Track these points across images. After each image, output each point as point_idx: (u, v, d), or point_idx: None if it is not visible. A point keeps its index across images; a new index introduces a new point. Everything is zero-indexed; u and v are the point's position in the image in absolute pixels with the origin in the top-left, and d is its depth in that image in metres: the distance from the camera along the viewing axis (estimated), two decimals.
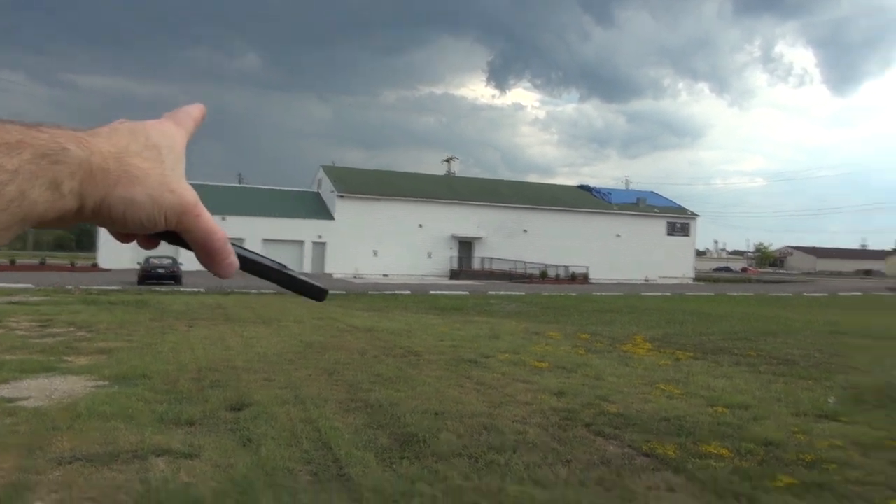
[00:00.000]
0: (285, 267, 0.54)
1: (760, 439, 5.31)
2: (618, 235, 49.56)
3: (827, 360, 10.11)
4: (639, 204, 52.35)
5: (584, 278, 43.38)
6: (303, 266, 41.32)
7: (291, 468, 4.37)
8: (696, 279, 51.30)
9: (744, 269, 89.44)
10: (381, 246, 43.14)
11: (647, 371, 8.70)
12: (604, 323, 15.45)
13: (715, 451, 4.93)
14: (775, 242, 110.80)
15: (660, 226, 51.53)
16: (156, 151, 0.46)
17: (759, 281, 54.37)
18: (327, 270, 41.16)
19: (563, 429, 5.59)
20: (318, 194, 47.51)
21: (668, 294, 30.94)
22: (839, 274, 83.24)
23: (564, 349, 10.56)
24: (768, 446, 5.15)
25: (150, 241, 0.49)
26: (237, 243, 0.50)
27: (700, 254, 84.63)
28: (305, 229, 42.00)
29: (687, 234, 52.52)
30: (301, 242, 41.82)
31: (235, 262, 0.49)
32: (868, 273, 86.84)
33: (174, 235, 0.47)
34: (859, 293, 37.03)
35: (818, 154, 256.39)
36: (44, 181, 0.40)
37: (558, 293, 28.76)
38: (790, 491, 4.15)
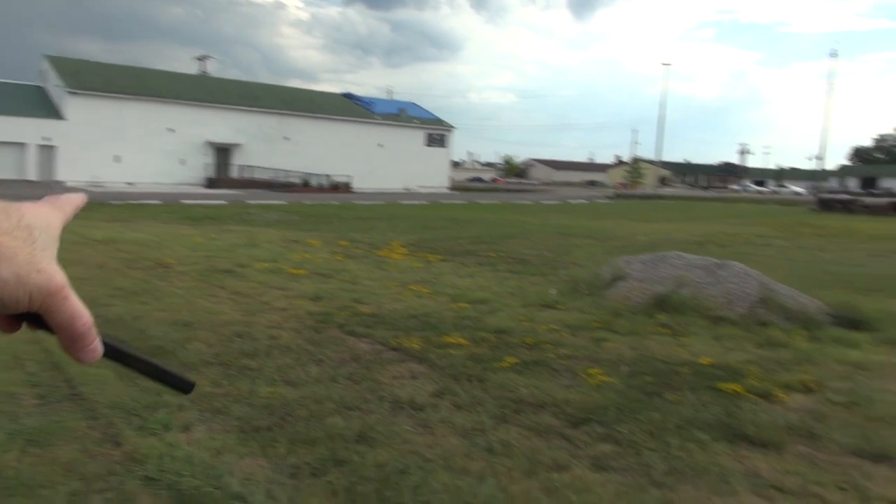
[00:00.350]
0: (152, 358, 0.54)
1: (494, 328, 5.98)
2: (380, 145, 50.26)
3: (554, 258, 11.52)
4: (400, 115, 53.32)
5: (347, 187, 43.68)
6: (26, 173, 35.90)
7: (13, 392, 3.96)
8: (452, 188, 54.35)
9: (493, 180, 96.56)
10: (125, 151, 38.93)
11: (400, 274, 9.18)
12: (363, 230, 15.83)
13: (455, 342, 5.45)
14: (521, 155, 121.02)
15: (419, 137, 53.18)
16: (27, 231, 0.45)
17: (505, 190, 59.27)
18: (59, 178, 36.28)
19: (318, 331, 5.74)
20: (41, 89, 41.01)
21: (426, 202, 32.48)
22: (571, 184, 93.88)
23: (323, 256, 10.68)
24: (500, 334, 5.81)
25: (11, 322, 0.47)
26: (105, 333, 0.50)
27: (456, 164, 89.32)
28: (27, 129, 36.23)
29: (444, 146, 54.97)
30: (22, 145, 36.10)
31: (99, 348, 0.48)
32: (593, 184, 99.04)
33: (37, 318, 0.46)
34: (585, 201, 42.24)
35: (560, 73, 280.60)
36: None
37: (320, 202, 28.66)
38: (513, 369, 4.76)
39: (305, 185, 41.53)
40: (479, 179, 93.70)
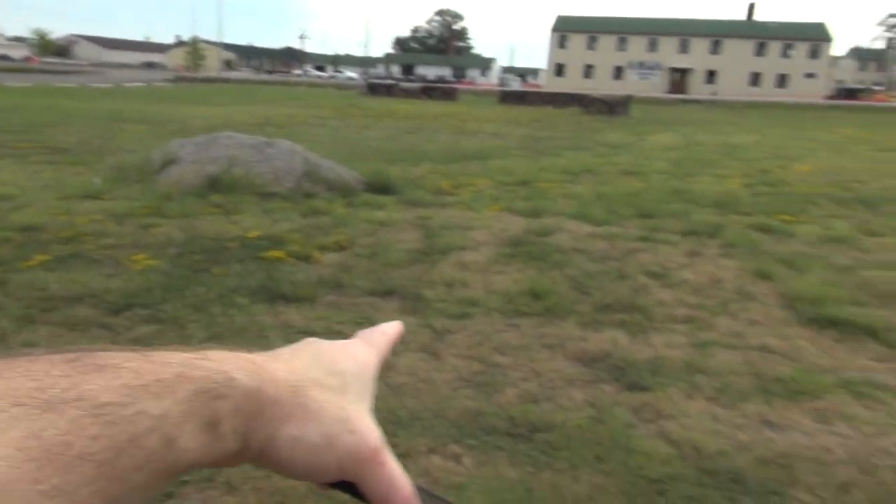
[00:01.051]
0: None
1: (20, 226, 5.23)
2: None
3: (101, 145, 10.43)
4: None
5: None
6: None
7: None
8: None
9: (27, 59, 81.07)
10: None
11: None
12: None
13: None
14: (60, 30, 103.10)
15: None
16: (339, 379, 0.38)
17: (41, 71, 50.28)
18: None
19: None
20: None
21: None
22: (126, 66, 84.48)
23: None
24: (28, 231, 5.13)
25: (324, 487, 0.38)
26: (428, 489, 0.38)
27: None
28: None
29: None
30: None
31: None
32: (152, 65, 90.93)
33: (350, 485, 0.37)
34: (142, 84, 38.67)
35: None
36: (198, 422, 0.30)
37: None
38: (44, 266, 4.30)
39: None
40: (7, 58, 77.45)
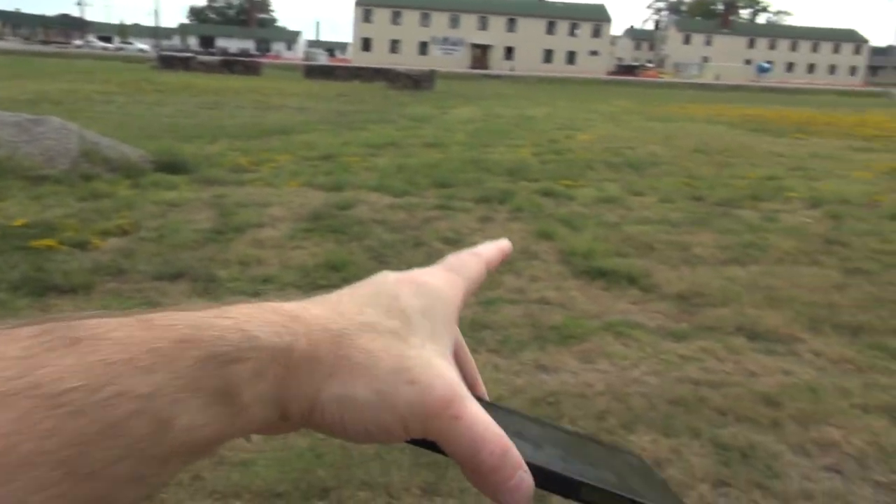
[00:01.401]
0: (636, 494, 0.30)
1: None
2: None
3: None
4: None
5: None
6: None
7: None
8: None
9: None
10: None
11: None
12: None
13: None
14: None
15: None
16: (400, 320, 0.31)
17: None
18: None
19: None
20: None
21: None
22: None
23: None
24: None
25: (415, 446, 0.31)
26: (540, 420, 0.33)
27: None
28: None
29: None
30: None
31: (525, 481, 0.29)
32: None
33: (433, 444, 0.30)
34: None
35: None
36: (206, 395, 0.25)
37: None
38: None
39: None
40: None
